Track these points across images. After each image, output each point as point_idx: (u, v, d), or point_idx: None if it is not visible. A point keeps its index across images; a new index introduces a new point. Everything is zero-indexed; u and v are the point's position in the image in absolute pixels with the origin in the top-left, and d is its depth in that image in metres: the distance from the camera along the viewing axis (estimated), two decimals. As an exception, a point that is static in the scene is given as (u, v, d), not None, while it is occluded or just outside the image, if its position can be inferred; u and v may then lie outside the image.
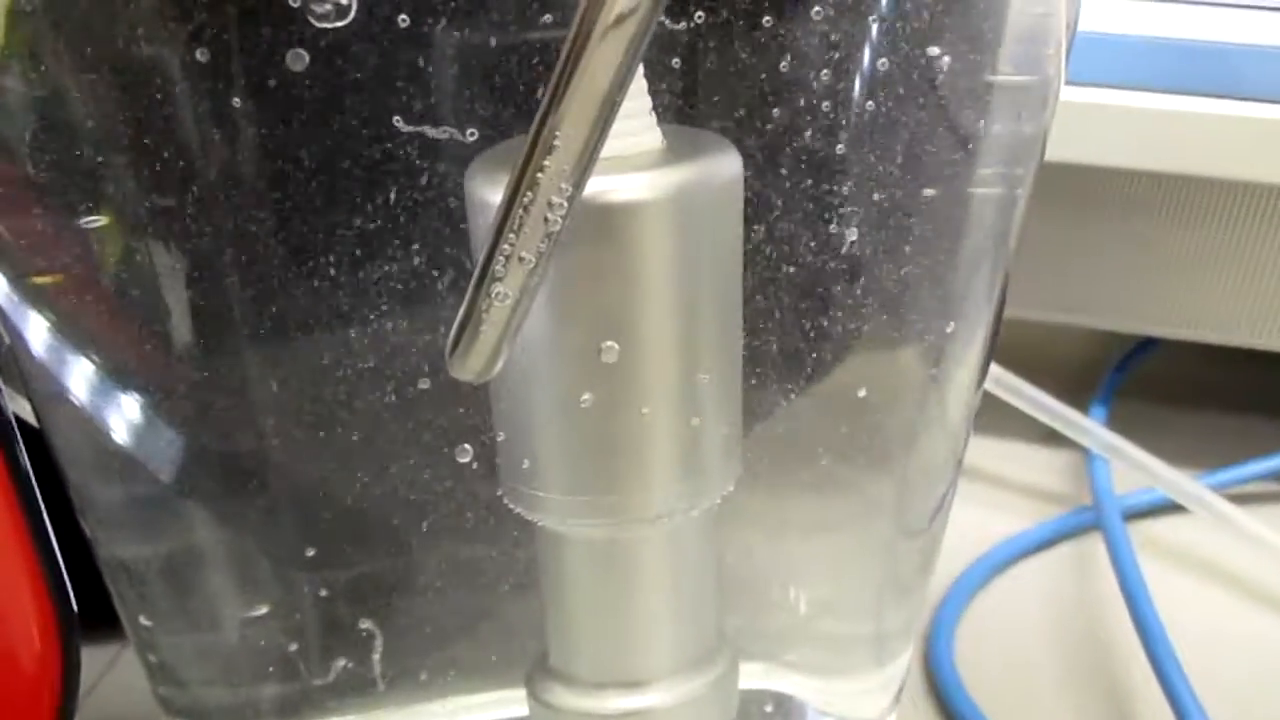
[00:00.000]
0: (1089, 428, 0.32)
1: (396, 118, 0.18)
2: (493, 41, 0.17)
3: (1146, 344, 0.40)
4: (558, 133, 0.13)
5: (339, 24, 0.17)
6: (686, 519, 0.18)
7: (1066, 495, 0.34)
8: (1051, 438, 0.34)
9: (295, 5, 0.17)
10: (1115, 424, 0.33)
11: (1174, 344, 0.37)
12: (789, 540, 0.22)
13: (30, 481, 0.15)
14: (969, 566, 0.30)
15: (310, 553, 0.20)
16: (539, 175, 0.13)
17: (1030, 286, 0.31)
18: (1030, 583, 0.31)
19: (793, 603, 0.23)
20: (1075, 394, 0.35)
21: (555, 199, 0.14)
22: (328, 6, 0.17)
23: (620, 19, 0.13)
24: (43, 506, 0.15)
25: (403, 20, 0.17)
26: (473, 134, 0.18)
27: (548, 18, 0.17)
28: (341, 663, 0.21)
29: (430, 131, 0.18)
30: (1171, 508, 0.32)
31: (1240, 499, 0.32)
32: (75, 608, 0.16)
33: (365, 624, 0.21)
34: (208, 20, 0.17)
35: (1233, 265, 0.33)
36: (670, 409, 0.16)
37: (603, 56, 0.13)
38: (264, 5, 0.17)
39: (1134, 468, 0.31)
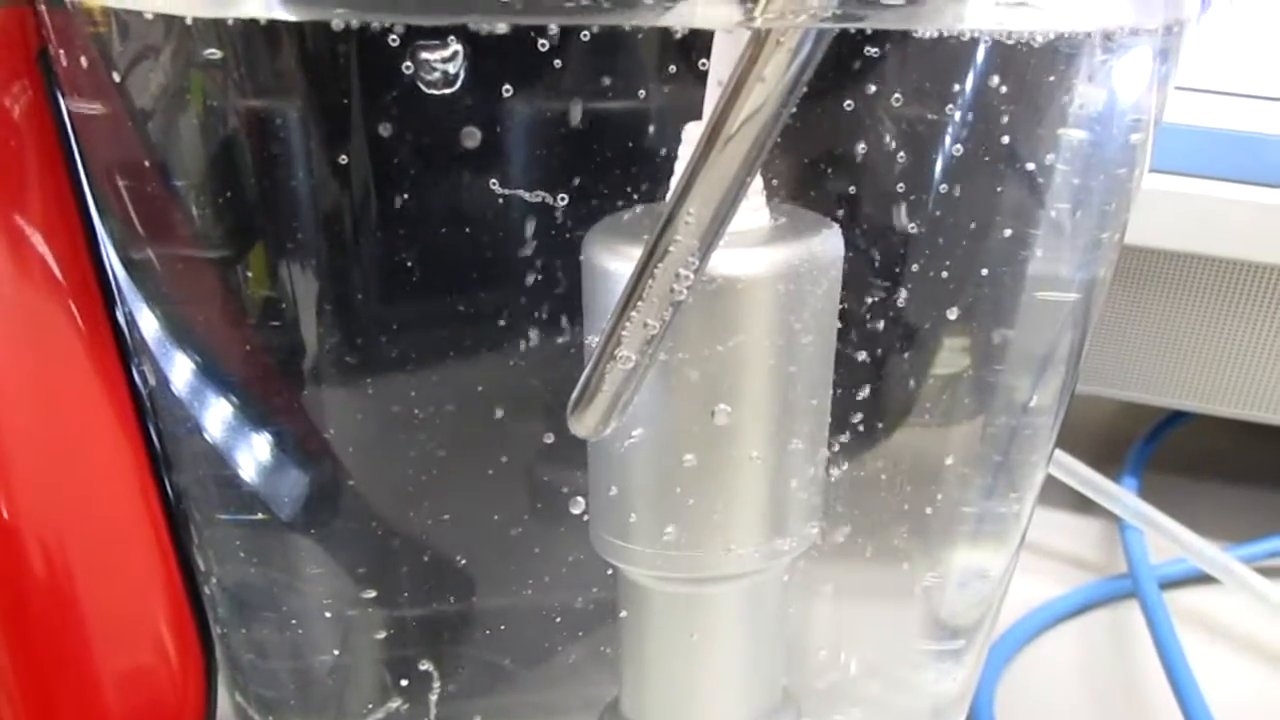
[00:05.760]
0: (1125, 498, 0.33)
1: (493, 181, 0.19)
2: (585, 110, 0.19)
3: (1175, 417, 0.40)
4: (690, 210, 0.14)
5: (446, 91, 0.19)
6: (766, 575, 0.18)
7: (1097, 563, 0.35)
8: (1079, 506, 0.35)
9: (408, 73, 0.18)
10: (1144, 495, 0.34)
11: (1202, 418, 0.37)
12: (851, 606, 0.23)
13: (176, 515, 0.16)
14: (1008, 629, 0.31)
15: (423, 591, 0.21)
16: (670, 248, 0.14)
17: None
18: (1065, 647, 0.31)
19: (846, 665, 0.23)
20: (1104, 465, 0.35)
21: (683, 270, 0.15)
22: (436, 75, 0.18)
23: (752, 115, 0.14)
24: (187, 540, 0.16)
25: (506, 90, 0.18)
26: (564, 199, 0.19)
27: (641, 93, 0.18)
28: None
29: (526, 195, 0.19)
30: (1202, 578, 0.33)
31: (1270, 572, 0.32)
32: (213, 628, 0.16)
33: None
34: (320, 83, 0.18)
35: (1262, 343, 0.34)
36: (766, 470, 0.17)
37: (735, 145, 0.14)
38: (377, 72, 0.18)
39: (1166, 538, 0.32)
